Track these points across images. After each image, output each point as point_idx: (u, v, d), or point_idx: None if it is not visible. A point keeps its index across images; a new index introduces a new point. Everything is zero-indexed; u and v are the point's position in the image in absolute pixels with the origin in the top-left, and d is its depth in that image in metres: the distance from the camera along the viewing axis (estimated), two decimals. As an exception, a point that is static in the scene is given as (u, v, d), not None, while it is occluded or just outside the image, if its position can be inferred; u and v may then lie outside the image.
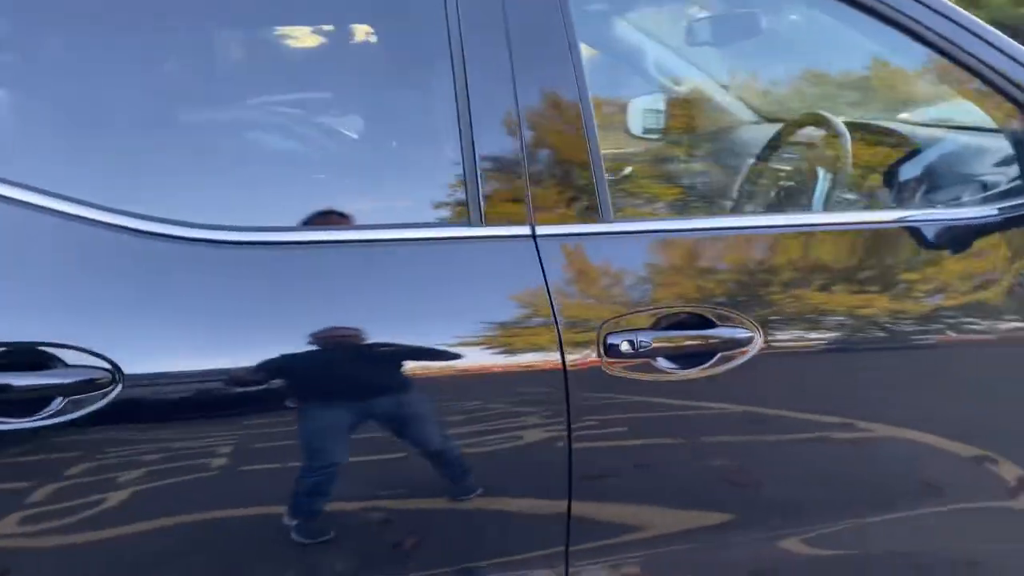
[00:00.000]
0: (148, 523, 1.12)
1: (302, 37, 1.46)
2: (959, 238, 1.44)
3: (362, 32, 1.52)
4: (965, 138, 1.67)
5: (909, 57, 1.60)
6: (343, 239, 1.20)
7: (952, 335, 1.41)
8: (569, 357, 1.19)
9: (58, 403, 1.05)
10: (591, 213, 1.25)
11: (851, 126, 1.72)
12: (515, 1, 1.23)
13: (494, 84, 1.22)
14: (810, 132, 1.82)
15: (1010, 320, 1.44)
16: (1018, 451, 1.46)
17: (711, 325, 1.26)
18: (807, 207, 1.71)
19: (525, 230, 1.22)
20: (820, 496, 1.39)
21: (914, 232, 1.41)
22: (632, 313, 1.23)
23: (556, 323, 1.20)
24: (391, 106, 1.38)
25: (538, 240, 1.22)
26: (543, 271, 1.21)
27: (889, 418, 1.38)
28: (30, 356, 1.04)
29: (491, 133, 1.22)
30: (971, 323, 1.43)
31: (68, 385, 1.05)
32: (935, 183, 1.66)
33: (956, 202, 1.57)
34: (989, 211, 1.46)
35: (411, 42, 1.38)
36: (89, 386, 1.05)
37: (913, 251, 1.43)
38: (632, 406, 1.25)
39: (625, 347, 1.21)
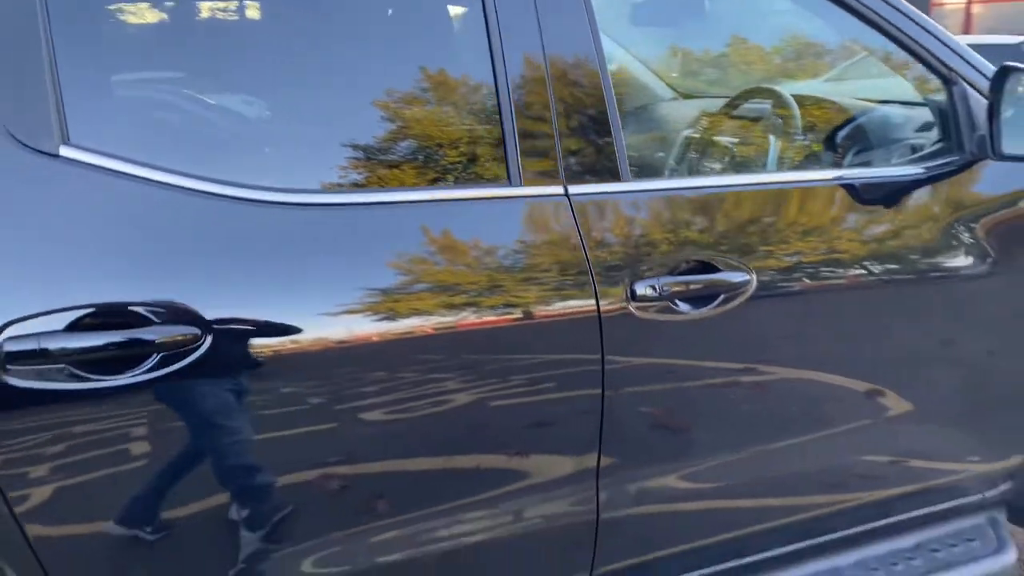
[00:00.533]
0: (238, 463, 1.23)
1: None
2: (891, 193, 1.69)
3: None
4: (895, 109, 1.94)
5: (852, 36, 1.84)
6: (434, 198, 1.36)
7: (882, 277, 1.66)
8: (603, 303, 1.37)
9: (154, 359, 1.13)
10: (613, 174, 1.42)
11: (797, 98, 1.97)
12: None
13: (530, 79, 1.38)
14: (757, 105, 2.06)
15: (938, 262, 1.71)
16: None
17: (715, 270, 1.46)
18: (763, 169, 1.94)
19: (559, 190, 1.38)
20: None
21: (850, 188, 1.65)
22: (651, 262, 1.41)
23: (591, 274, 1.36)
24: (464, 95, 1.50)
25: (571, 199, 1.38)
26: (577, 227, 1.37)
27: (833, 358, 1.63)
28: (129, 317, 1.12)
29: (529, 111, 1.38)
30: (898, 267, 1.69)
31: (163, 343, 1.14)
32: (869, 146, 1.93)
33: (888, 162, 1.85)
34: (917, 170, 1.73)
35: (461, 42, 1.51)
36: (183, 342, 1.14)
37: (851, 206, 1.67)
38: (655, 344, 1.44)
39: (649, 292, 1.40)
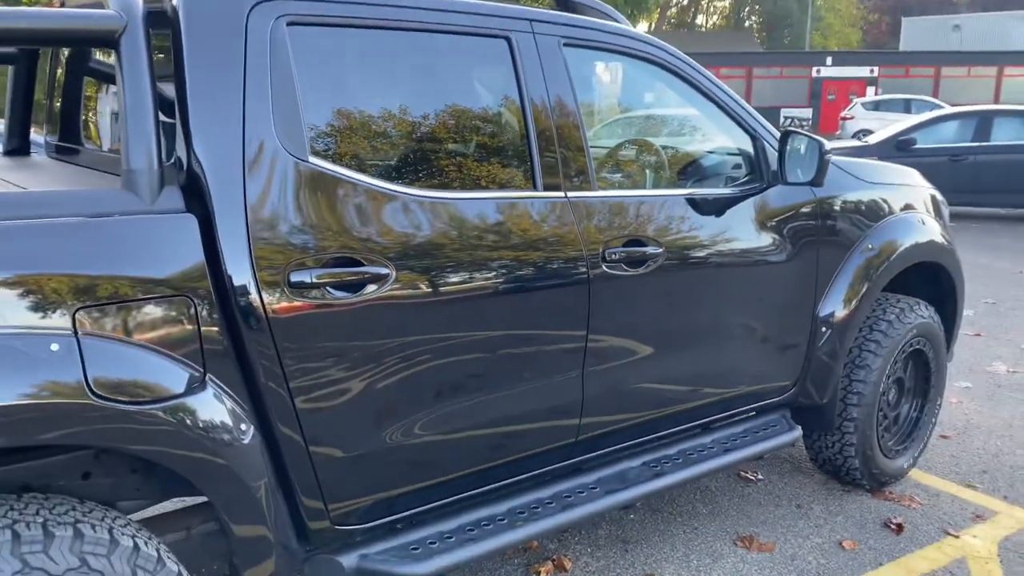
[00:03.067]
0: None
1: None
2: (718, 205, 2.77)
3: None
4: (720, 155, 3.06)
5: (699, 110, 2.93)
6: (497, 196, 2.23)
7: (722, 261, 2.72)
8: (588, 260, 2.30)
9: (369, 288, 1.92)
10: (587, 183, 2.37)
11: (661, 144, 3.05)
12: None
13: (544, 113, 2.30)
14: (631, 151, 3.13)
15: (747, 247, 2.80)
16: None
17: (645, 244, 2.44)
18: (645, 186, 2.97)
19: (562, 195, 2.31)
20: None
21: (692, 200, 2.69)
22: (612, 239, 2.37)
23: (581, 243, 2.29)
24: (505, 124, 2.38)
25: (570, 201, 2.31)
26: (574, 217, 2.30)
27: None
28: (352, 263, 1.91)
29: (544, 139, 2.30)
30: (722, 251, 2.76)
31: (372, 276, 1.92)
32: (704, 176, 3.04)
33: (715, 186, 2.95)
34: (733, 190, 2.84)
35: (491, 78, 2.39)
36: (381, 278, 1.93)
37: (696, 211, 2.72)
38: (635, 291, 2.39)
39: (613, 256, 2.35)
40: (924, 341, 3.42)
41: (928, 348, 3.46)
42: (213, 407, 1.75)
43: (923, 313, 3.37)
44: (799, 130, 2.84)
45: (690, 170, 3.05)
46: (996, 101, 28.03)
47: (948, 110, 12.67)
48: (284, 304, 1.84)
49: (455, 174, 2.23)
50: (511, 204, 2.23)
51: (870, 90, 30.75)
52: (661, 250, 2.49)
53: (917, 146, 10.98)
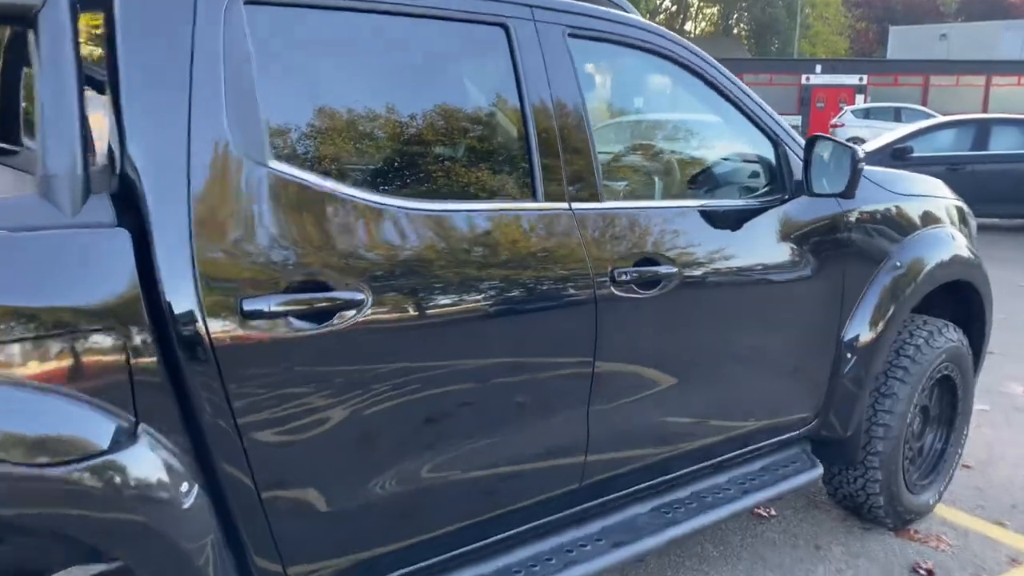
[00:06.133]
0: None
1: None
2: (737, 218, 2.48)
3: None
4: (735, 162, 2.77)
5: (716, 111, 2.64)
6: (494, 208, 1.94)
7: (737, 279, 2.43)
8: (596, 282, 2.00)
9: (341, 316, 1.61)
10: (594, 194, 2.07)
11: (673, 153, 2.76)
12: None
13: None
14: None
15: (775, 270, 2.51)
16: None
17: (658, 264, 2.15)
18: (657, 196, 2.67)
19: (566, 206, 2.01)
20: None
21: (708, 213, 2.40)
22: (622, 257, 2.07)
23: (588, 262, 2.00)
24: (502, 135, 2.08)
25: (575, 213, 2.01)
26: (579, 232, 2.00)
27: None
28: (320, 287, 1.60)
29: (545, 143, 2.00)
30: (752, 271, 2.48)
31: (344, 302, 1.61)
32: (717, 185, 2.74)
33: (730, 196, 2.66)
34: (752, 202, 2.55)
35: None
36: (356, 304, 1.62)
37: (713, 225, 2.43)
38: (629, 319, 2.09)
39: (623, 277, 2.05)
40: (953, 367, 3.14)
41: (956, 374, 3.18)
42: (147, 463, 1.44)
43: (952, 336, 3.09)
44: (829, 136, 2.55)
45: (703, 179, 2.75)
46: (984, 110, 28.00)
47: (945, 118, 12.47)
48: (236, 337, 1.52)
49: (443, 182, 1.93)
50: (509, 217, 1.94)
51: (859, 98, 30.64)
52: (675, 269, 2.20)
53: (914, 155, 10.75)
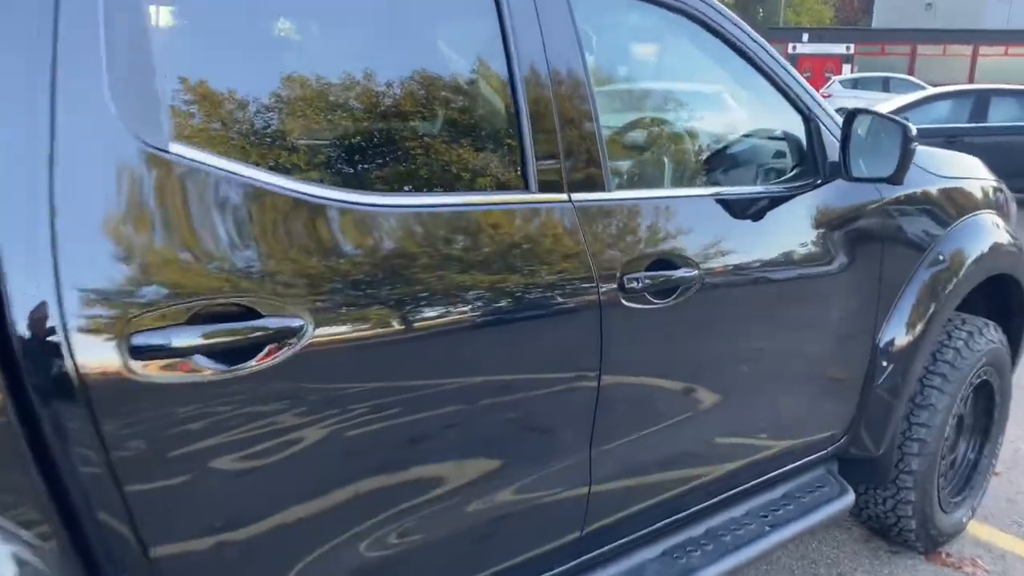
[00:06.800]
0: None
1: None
2: (763, 207, 2.09)
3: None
4: (757, 138, 2.37)
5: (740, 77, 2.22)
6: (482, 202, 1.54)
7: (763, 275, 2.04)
8: (601, 291, 1.61)
9: (269, 350, 1.20)
10: (600, 182, 1.67)
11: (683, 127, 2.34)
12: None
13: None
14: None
15: (807, 268, 2.13)
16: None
17: (675, 267, 1.75)
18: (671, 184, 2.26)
19: (565, 197, 1.60)
20: None
21: (732, 203, 2.01)
22: (634, 259, 1.68)
23: (592, 267, 1.60)
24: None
25: (576, 206, 1.61)
26: (579, 226, 1.60)
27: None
28: (245, 311, 1.19)
29: (540, 120, 1.59)
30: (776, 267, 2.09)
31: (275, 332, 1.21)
32: (736, 167, 2.34)
33: (750, 180, 2.26)
34: (780, 188, 2.15)
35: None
36: (291, 334, 1.22)
37: (737, 216, 2.04)
38: (640, 328, 1.70)
39: (634, 284, 1.66)
40: (992, 371, 2.79)
41: (995, 378, 2.84)
42: None
43: (993, 337, 2.73)
44: (873, 110, 2.15)
45: (724, 161, 2.34)
46: (970, 80, 27.66)
47: (941, 89, 12.09)
48: (121, 384, 1.11)
49: (410, 170, 1.52)
50: (494, 212, 1.54)
51: (846, 68, 30.21)
52: (696, 273, 1.80)
53: (910, 126, 10.39)
